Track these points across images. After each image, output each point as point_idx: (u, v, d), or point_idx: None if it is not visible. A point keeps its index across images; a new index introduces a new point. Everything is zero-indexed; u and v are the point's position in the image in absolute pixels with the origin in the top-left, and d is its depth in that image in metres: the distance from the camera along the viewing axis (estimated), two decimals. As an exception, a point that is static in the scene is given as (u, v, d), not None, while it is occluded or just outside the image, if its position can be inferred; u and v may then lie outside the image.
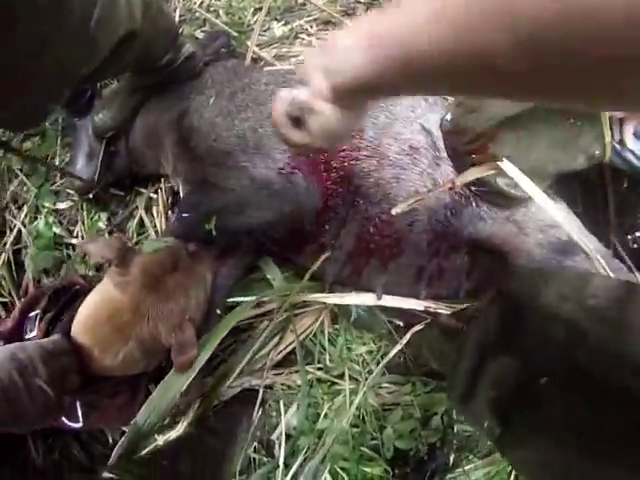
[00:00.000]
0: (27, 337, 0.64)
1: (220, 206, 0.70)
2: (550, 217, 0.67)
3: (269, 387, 0.90)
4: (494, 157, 0.67)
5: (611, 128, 0.66)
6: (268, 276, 0.83)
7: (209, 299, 0.70)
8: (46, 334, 0.63)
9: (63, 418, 0.62)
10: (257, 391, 0.87)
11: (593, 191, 0.90)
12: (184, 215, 0.72)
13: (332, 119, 0.35)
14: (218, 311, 0.79)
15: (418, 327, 0.84)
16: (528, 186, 0.65)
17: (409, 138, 0.72)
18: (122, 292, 0.61)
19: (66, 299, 0.68)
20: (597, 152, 0.72)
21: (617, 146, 0.71)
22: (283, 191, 0.69)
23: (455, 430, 0.94)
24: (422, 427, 0.94)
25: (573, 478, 0.42)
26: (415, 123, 0.72)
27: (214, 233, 0.70)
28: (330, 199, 0.71)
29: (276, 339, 0.87)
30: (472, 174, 0.64)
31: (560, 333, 0.45)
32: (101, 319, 0.60)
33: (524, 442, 0.48)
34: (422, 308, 0.80)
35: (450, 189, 0.67)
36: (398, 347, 0.87)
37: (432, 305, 0.80)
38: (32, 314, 0.67)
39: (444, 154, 0.72)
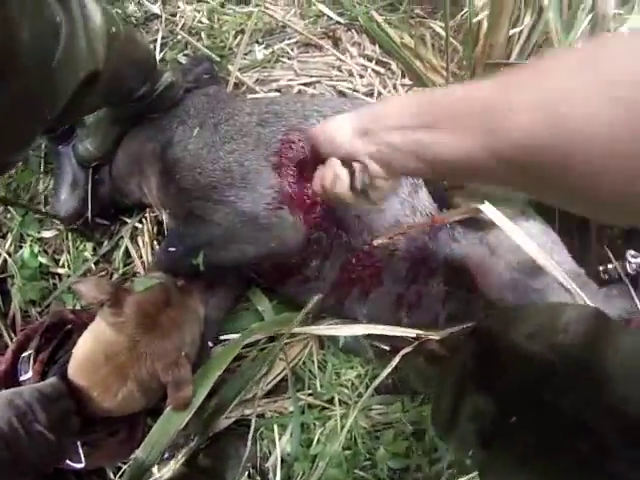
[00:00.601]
0: (22, 379, 0.63)
1: (206, 240, 0.69)
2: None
3: (261, 415, 0.88)
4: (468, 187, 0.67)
5: None
6: (258, 307, 0.81)
7: (202, 333, 0.69)
8: (42, 376, 0.62)
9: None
10: (247, 422, 0.85)
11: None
12: (170, 249, 0.71)
13: (389, 188, 0.44)
14: (210, 343, 0.77)
15: (405, 350, 0.83)
16: (506, 226, 0.65)
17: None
18: (118, 333, 0.60)
19: (59, 338, 0.67)
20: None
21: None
22: (270, 226, 0.67)
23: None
24: (416, 442, 0.94)
25: None
26: None
27: (202, 268, 0.68)
28: (314, 233, 0.70)
29: (265, 368, 0.85)
30: (453, 215, 0.64)
31: (527, 372, 0.46)
32: (98, 361, 0.59)
33: (503, 470, 0.48)
34: (413, 335, 0.79)
35: (430, 226, 0.66)
36: (387, 371, 0.85)
37: (422, 332, 0.79)
38: (25, 354, 0.65)
39: (421, 180, 0.72)
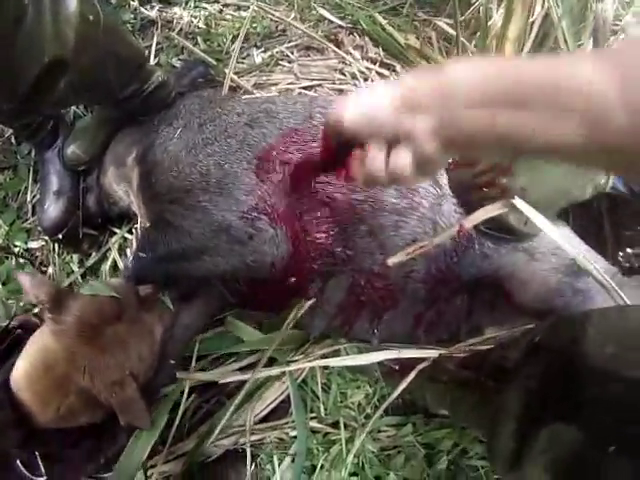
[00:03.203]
0: None
1: (177, 248, 0.56)
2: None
3: (259, 443, 0.74)
4: (505, 190, 0.54)
5: None
6: (237, 334, 0.67)
7: (157, 352, 0.56)
8: None
9: (21, 467, 0.50)
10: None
11: (587, 212, 0.79)
12: (141, 255, 0.58)
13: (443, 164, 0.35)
14: (172, 361, 0.63)
15: (419, 368, 0.69)
16: (541, 222, 0.52)
17: None
18: (56, 341, 0.50)
19: (9, 344, 0.55)
20: (602, 181, 0.63)
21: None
22: (244, 238, 0.54)
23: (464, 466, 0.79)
24: (429, 467, 0.79)
25: None
26: None
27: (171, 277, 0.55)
28: (313, 249, 0.57)
29: (262, 390, 0.71)
30: (482, 214, 0.50)
31: (618, 390, 0.35)
32: (38, 372, 0.50)
33: None
34: (435, 355, 0.65)
35: (458, 233, 0.52)
36: (398, 391, 0.71)
37: (443, 351, 0.65)
38: None
39: (446, 190, 0.59)
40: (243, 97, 0.69)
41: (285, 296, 0.61)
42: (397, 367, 0.74)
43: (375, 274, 0.58)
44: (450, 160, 0.55)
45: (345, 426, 0.75)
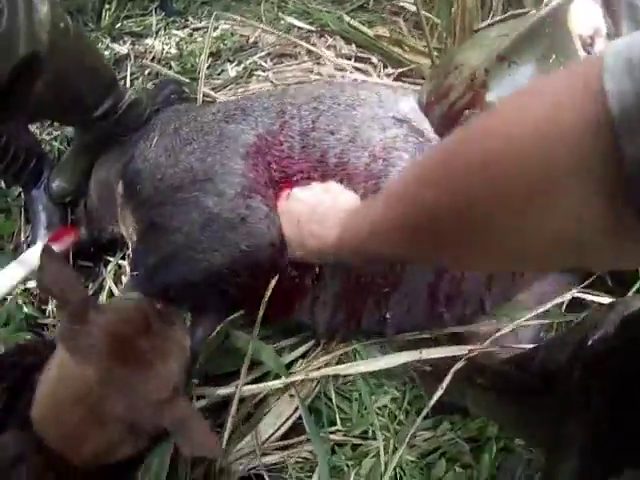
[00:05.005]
0: None
1: (169, 252, 0.51)
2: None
3: (280, 464, 0.65)
4: (486, 107, 0.50)
5: None
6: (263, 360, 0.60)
7: (189, 368, 0.48)
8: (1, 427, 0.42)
9: None
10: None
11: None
12: (134, 273, 0.53)
13: None
14: (196, 380, 0.57)
15: (453, 371, 0.60)
16: None
17: (381, 139, 0.53)
18: (83, 362, 0.40)
19: (17, 377, 0.46)
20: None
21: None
22: (236, 222, 0.50)
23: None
24: (477, 463, 0.68)
25: None
26: (385, 119, 0.54)
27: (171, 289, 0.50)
28: None
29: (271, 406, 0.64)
30: None
31: None
32: (66, 404, 0.40)
33: None
34: (465, 351, 0.57)
35: None
36: (437, 395, 0.62)
37: (475, 347, 0.57)
38: None
39: (431, 134, 0.54)
40: (217, 101, 0.67)
41: (287, 286, 0.54)
42: (428, 368, 0.66)
43: None
44: (425, 99, 0.52)
45: (374, 434, 0.67)
